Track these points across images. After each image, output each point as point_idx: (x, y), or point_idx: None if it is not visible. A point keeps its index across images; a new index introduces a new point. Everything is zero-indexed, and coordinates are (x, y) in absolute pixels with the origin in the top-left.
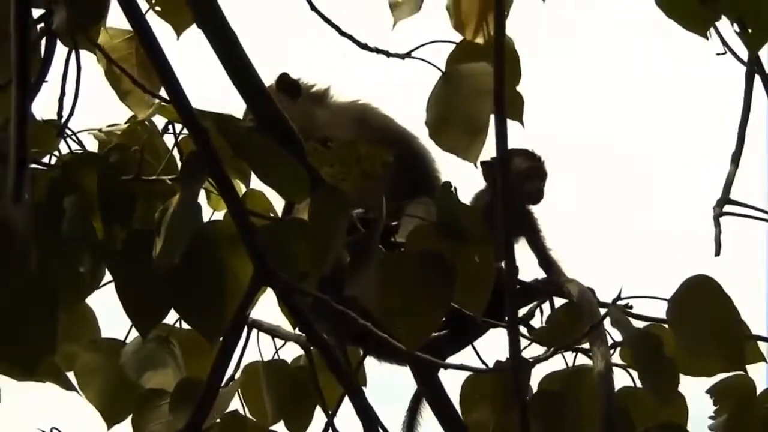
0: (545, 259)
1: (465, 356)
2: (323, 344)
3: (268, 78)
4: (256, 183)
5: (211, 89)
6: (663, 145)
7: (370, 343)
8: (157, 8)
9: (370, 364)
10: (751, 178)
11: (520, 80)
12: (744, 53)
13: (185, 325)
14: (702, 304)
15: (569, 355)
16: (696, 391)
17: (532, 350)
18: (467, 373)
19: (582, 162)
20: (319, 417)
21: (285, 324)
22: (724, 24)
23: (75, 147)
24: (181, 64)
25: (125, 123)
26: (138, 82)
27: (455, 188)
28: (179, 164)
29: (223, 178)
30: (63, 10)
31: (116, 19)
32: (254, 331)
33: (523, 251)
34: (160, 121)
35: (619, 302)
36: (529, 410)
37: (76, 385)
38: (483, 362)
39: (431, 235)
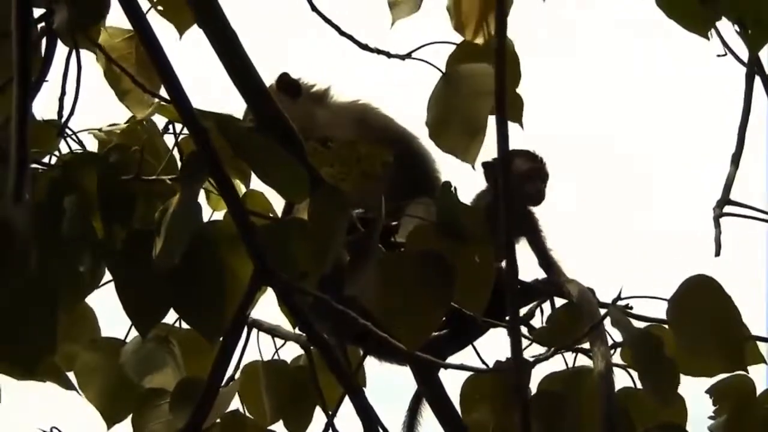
0: (545, 260)
1: (465, 356)
2: (323, 344)
3: (268, 78)
4: (255, 183)
5: (211, 89)
6: (663, 145)
7: (371, 342)
8: (159, 8)
9: (370, 364)
10: (752, 179)
11: (519, 82)
12: (744, 54)
13: (185, 325)
14: (702, 304)
15: (569, 356)
16: (695, 392)
17: (532, 350)
18: (467, 373)
19: (582, 162)
20: (318, 417)
21: (285, 324)
22: (725, 25)
23: (75, 147)
24: (182, 64)
25: (125, 123)
26: (138, 81)
27: (455, 188)
28: (179, 164)
29: (223, 178)
30: (64, 9)
31: (115, 18)
32: (254, 331)
33: (523, 251)
34: (160, 120)
35: (619, 302)
36: (530, 410)
37: (76, 385)
38: (483, 362)
39: (431, 235)
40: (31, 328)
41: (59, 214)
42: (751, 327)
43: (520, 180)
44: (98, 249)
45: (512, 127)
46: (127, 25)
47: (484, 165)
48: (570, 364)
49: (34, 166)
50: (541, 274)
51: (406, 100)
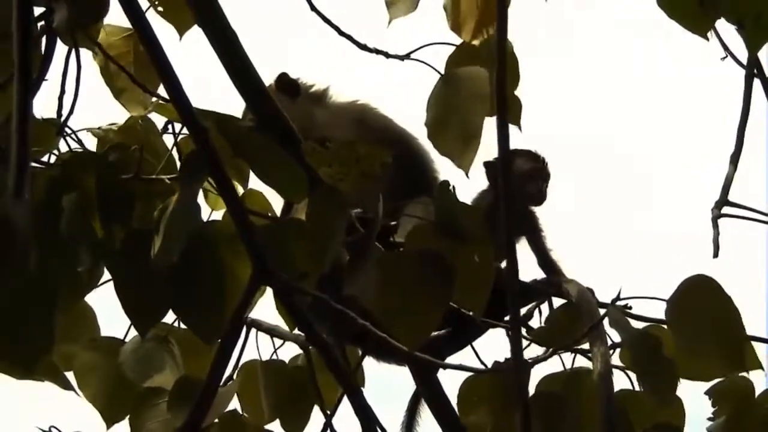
0: (545, 260)
1: (464, 356)
2: (322, 344)
3: (268, 78)
4: (254, 183)
5: (211, 89)
6: (663, 145)
7: (369, 342)
8: (159, 9)
9: (369, 363)
10: (753, 180)
11: (518, 84)
12: (744, 55)
13: (184, 325)
14: (701, 304)
15: (567, 356)
16: (694, 392)
17: (531, 351)
18: (466, 374)
19: (582, 162)
20: (317, 417)
21: (284, 324)
22: (725, 27)
23: (74, 146)
24: (182, 64)
25: (125, 122)
26: (136, 80)
27: (453, 187)
28: (178, 164)
29: (222, 177)
30: (63, 8)
31: (113, 16)
32: (253, 331)
33: (522, 251)
34: (159, 120)
35: (619, 303)
36: (531, 411)
37: (76, 385)
38: (482, 363)
39: (430, 235)
40: (30, 328)
41: (58, 213)
42: (751, 328)
43: (521, 180)
44: (97, 248)
45: (511, 128)
46: (124, 23)
47: (486, 164)
48: (568, 365)
49: (33, 164)
50: (540, 274)
51: (404, 100)
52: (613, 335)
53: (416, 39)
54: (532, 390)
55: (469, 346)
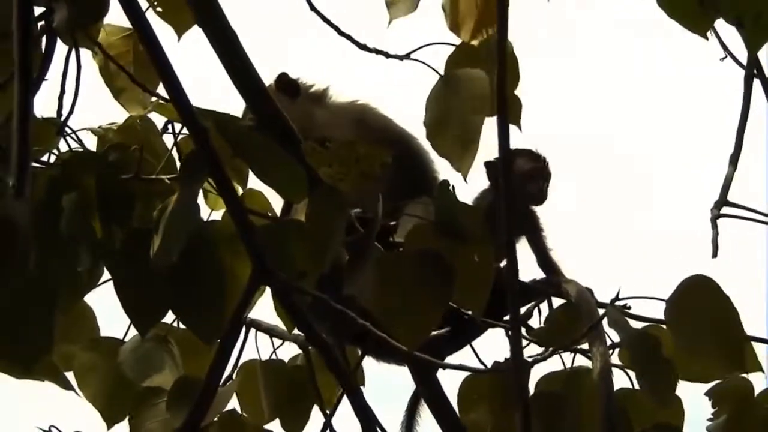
0: (545, 260)
1: (463, 356)
2: (322, 344)
3: (268, 78)
4: (254, 183)
5: (211, 89)
6: (663, 145)
7: (369, 342)
8: (159, 9)
9: (369, 363)
10: (753, 180)
11: (518, 84)
12: (744, 55)
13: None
14: (700, 304)
15: (567, 356)
16: (693, 393)
17: (530, 350)
18: (465, 373)
19: (582, 162)
20: (317, 417)
21: (283, 324)
22: (725, 27)
23: (74, 145)
24: (182, 64)
25: (124, 122)
26: (136, 80)
27: (453, 187)
28: (178, 164)
29: (222, 177)
30: (63, 8)
31: (113, 16)
32: (252, 330)
33: (522, 251)
34: (159, 120)
35: (618, 302)
36: (531, 410)
37: (76, 385)
38: (481, 362)
39: (430, 235)
40: (30, 328)
41: (58, 213)
42: (751, 328)
43: (522, 179)
44: (97, 248)
45: (511, 128)
46: (124, 22)
47: (486, 164)
48: (568, 365)
49: (33, 164)
50: (540, 274)
51: (404, 100)
52: (613, 335)
53: (416, 39)
54: (531, 389)
55: (468, 346)
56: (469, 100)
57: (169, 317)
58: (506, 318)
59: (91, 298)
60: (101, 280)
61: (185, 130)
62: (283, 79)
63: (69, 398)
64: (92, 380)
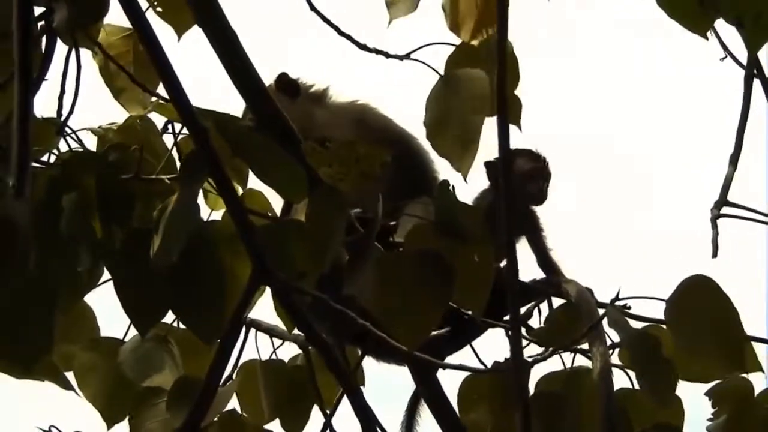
0: (545, 259)
1: (463, 356)
2: (322, 344)
3: (268, 78)
4: (254, 183)
5: (211, 89)
6: (663, 145)
7: (369, 342)
8: (159, 9)
9: (369, 363)
10: (753, 180)
11: (518, 84)
12: (744, 55)
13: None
14: (700, 304)
15: (567, 355)
16: (693, 393)
17: (530, 350)
18: (465, 373)
19: (582, 162)
20: (316, 417)
21: (283, 324)
22: (725, 27)
23: (74, 145)
24: (182, 64)
25: (124, 122)
26: (136, 80)
27: (453, 187)
28: (178, 164)
29: (222, 177)
30: (63, 8)
31: (113, 16)
32: (252, 330)
33: (522, 251)
34: (159, 120)
35: (618, 302)
36: (531, 410)
37: (76, 385)
38: (481, 362)
39: (430, 235)
40: (30, 328)
41: (58, 213)
42: (751, 328)
43: (522, 179)
44: (97, 248)
45: (511, 128)
46: (124, 22)
47: (486, 164)
48: (567, 365)
49: (33, 164)
50: (540, 274)
51: (404, 100)
52: (613, 335)
53: (416, 39)
54: (532, 389)
55: (468, 346)
56: (469, 100)
57: (169, 317)
58: (506, 318)
59: (91, 298)
60: (101, 280)
61: (185, 130)
62: (283, 79)
63: (69, 398)
64: (92, 380)
